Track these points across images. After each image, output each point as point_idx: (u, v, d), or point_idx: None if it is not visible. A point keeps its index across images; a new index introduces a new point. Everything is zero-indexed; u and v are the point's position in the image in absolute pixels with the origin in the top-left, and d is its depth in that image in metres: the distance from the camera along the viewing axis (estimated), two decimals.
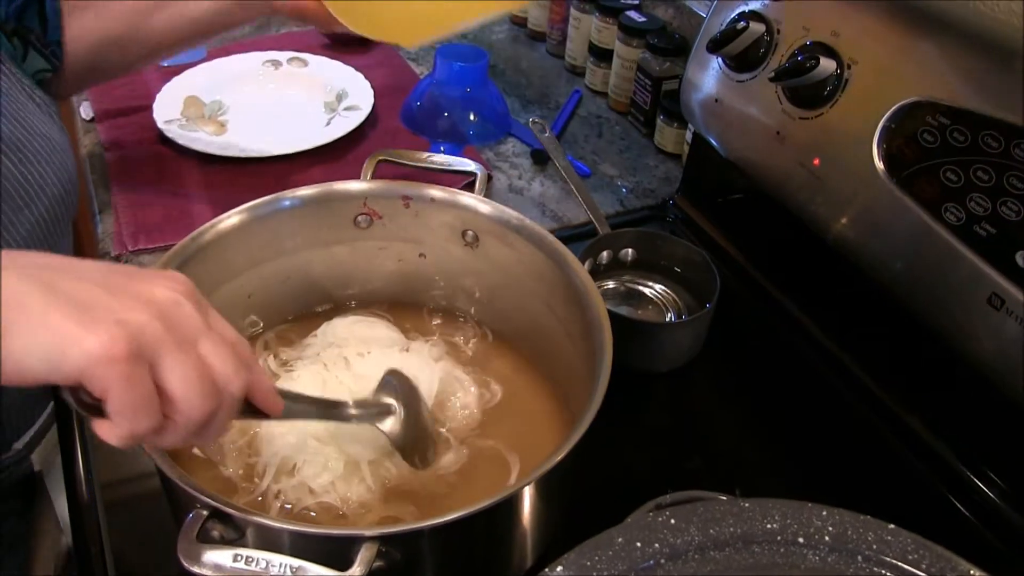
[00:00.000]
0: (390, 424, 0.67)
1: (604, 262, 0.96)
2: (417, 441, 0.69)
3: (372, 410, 0.67)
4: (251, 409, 0.54)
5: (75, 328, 0.44)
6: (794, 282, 0.97)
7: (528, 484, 0.58)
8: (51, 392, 0.86)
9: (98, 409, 0.46)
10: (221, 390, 0.49)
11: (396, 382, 0.69)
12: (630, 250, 0.97)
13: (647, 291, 0.96)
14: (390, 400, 0.68)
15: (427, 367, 0.77)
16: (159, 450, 0.56)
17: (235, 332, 0.53)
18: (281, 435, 0.70)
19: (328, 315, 0.85)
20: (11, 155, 0.76)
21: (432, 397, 0.75)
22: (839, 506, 0.49)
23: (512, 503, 0.60)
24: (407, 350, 0.80)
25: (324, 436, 0.70)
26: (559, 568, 0.46)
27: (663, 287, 0.96)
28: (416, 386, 0.72)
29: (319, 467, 0.69)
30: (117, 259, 0.97)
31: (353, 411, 0.66)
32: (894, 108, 0.74)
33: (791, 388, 0.89)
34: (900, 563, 0.45)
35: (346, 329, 0.81)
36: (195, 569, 0.51)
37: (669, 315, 0.93)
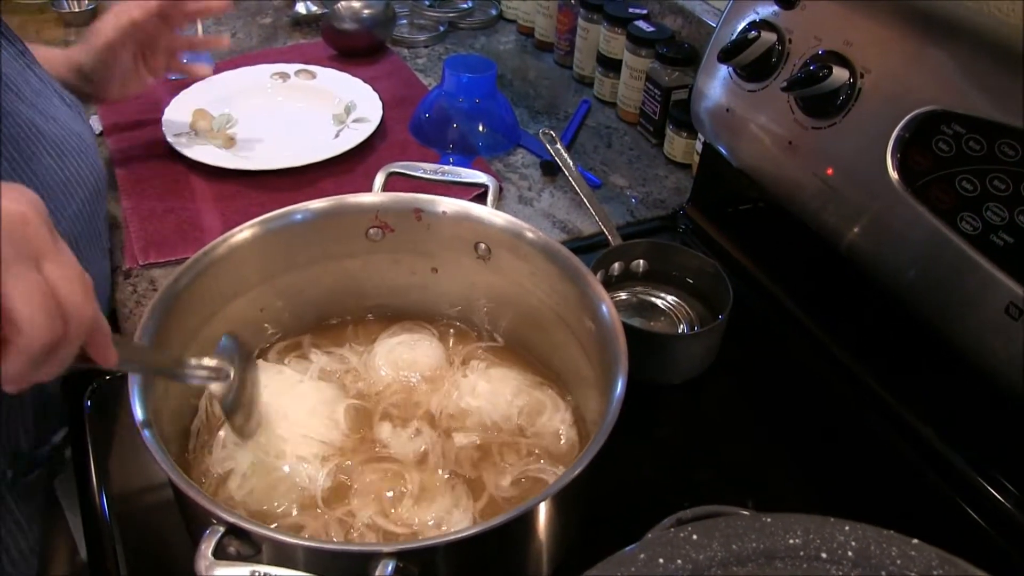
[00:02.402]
0: (222, 389, 0.67)
1: (616, 273, 0.96)
2: (243, 406, 0.69)
3: (208, 373, 0.67)
4: (82, 356, 0.50)
5: None
6: (807, 292, 0.97)
7: (544, 499, 0.57)
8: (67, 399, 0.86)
9: None
10: (69, 316, 0.44)
11: (233, 346, 0.69)
12: (642, 261, 0.96)
13: (659, 302, 0.96)
14: (227, 365, 0.68)
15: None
16: (173, 465, 0.56)
17: (79, 267, 0.48)
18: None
19: (343, 327, 0.85)
20: (51, 152, 0.77)
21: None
22: (854, 516, 0.48)
23: (529, 518, 0.60)
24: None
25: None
26: None
27: (675, 298, 0.96)
28: (250, 352, 0.72)
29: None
30: (128, 273, 0.97)
31: (188, 371, 0.66)
32: (908, 117, 0.74)
33: (804, 399, 0.89)
34: None
35: (385, 356, 0.81)
36: None
37: (682, 326, 0.93)
